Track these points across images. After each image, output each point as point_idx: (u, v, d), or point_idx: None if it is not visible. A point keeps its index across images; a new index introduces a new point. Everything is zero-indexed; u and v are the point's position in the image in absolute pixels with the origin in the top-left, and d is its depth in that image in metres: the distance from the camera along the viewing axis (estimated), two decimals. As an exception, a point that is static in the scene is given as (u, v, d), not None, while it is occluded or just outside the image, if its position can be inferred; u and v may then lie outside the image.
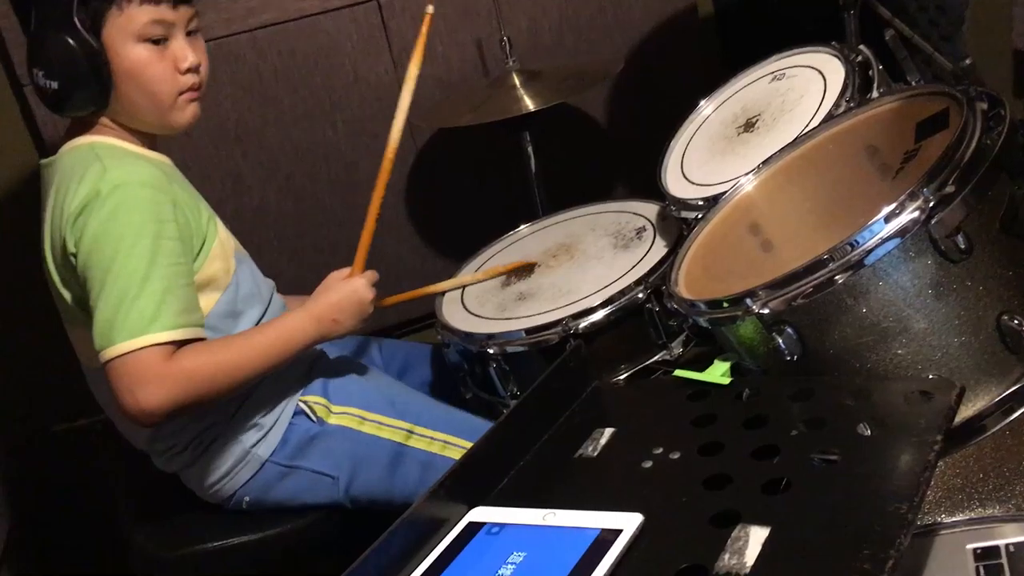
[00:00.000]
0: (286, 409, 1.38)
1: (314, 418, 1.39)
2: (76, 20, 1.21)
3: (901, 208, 0.99)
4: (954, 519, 1.00)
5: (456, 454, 1.41)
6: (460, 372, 1.57)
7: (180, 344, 1.21)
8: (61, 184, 1.26)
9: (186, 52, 1.28)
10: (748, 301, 1.05)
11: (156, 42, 1.26)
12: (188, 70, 1.29)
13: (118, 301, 1.18)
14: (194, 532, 1.39)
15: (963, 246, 0.99)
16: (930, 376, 1.01)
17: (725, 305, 1.08)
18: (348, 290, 1.38)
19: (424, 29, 1.46)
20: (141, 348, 1.17)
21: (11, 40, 1.78)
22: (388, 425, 1.40)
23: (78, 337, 1.33)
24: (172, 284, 1.21)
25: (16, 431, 1.99)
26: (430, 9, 1.46)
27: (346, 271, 1.41)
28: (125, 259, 1.19)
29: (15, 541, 1.88)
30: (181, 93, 1.29)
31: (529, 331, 1.45)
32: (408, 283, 2.12)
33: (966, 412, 1.03)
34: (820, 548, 0.77)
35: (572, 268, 1.58)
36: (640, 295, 1.43)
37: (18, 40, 1.75)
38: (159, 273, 1.20)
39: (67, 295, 1.28)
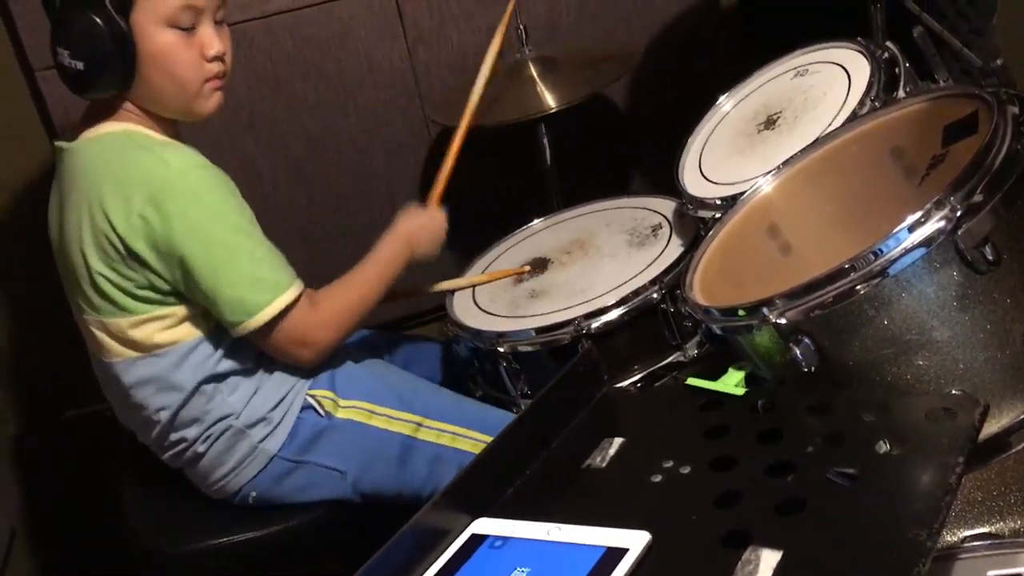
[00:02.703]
0: (294, 403, 1.37)
1: (322, 412, 1.37)
2: (106, 0, 1.20)
3: (927, 217, 0.95)
4: (975, 541, 0.97)
5: (465, 446, 1.39)
6: (470, 369, 1.55)
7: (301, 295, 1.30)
8: (100, 172, 1.25)
9: (213, 40, 1.28)
10: (765, 310, 1.01)
11: (184, 28, 1.25)
12: (214, 58, 1.28)
13: (240, 275, 1.25)
14: (199, 527, 1.38)
15: (991, 257, 0.95)
16: (953, 392, 0.98)
17: (740, 313, 1.05)
18: (427, 216, 1.51)
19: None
20: (290, 304, 1.28)
21: (23, 25, 1.76)
22: (396, 418, 1.39)
23: (92, 328, 1.31)
24: (268, 244, 1.30)
25: (27, 416, 1.98)
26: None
27: (419, 205, 1.52)
28: (227, 236, 1.25)
29: (25, 526, 1.89)
30: (207, 81, 1.29)
31: (540, 330, 1.42)
32: (419, 275, 2.11)
33: (990, 428, 1.00)
34: (834, 576, 0.74)
35: (586, 265, 1.55)
36: (655, 295, 1.40)
37: (31, 24, 1.74)
38: (258, 239, 1.29)
39: (105, 283, 1.27)
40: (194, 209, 1.24)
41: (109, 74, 1.23)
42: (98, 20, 1.20)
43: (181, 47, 1.25)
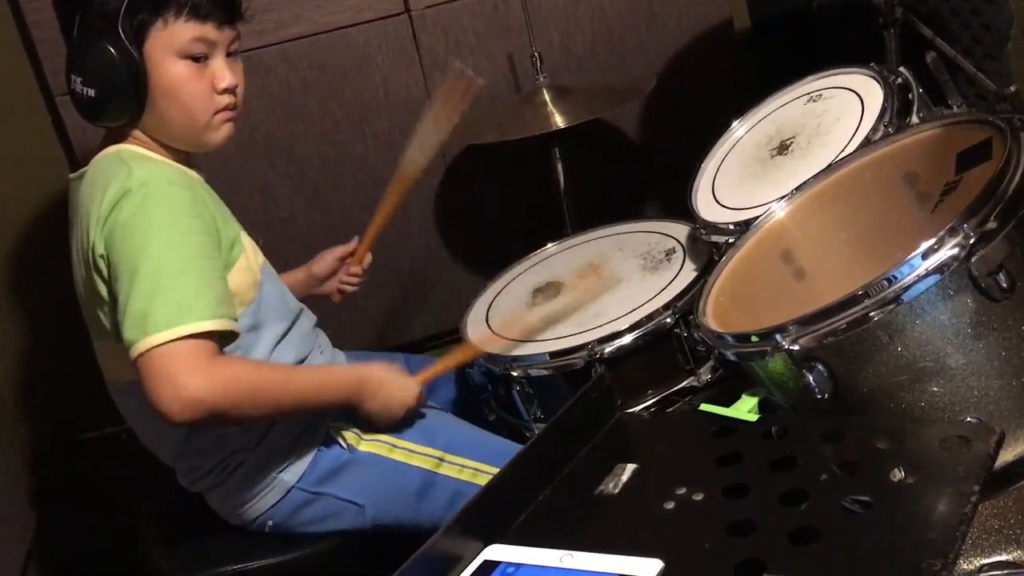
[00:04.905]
0: (315, 436, 1.36)
1: (344, 445, 1.37)
2: (120, 30, 1.21)
3: (940, 244, 0.95)
4: (993, 570, 0.96)
5: (486, 481, 1.37)
6: (484, 393, 1.55)
7: (218, 338, 1.18)
8: (90, 193, 1.26)
9: (225, 72, 1.28)
10: (778, 336, 1.01)
11: (196, 59, 1.26)
12: (225, 90, 1.28)
13: (151, 291, 1.15)
14: (213, 553, 1.37)
15: (1004, 284, 0.95)
16: (968, 419, 0.97)
17: (754, 339, 1.05)
18: (402, 382, 1.37)
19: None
20: (180, 338, 1.13)
21: (44, 52, 1.79)
22: (419, 452, 1.38)
23: (105, 351, 1.32)
24: (207, 277, 1.19)
25: (44, 438, 2.00)
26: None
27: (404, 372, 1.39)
28: (158, 250, 1.18)
29: (39, 548, 1.89)
30: (216, 112, 1.29)
31: (554, 355, 1.42)
32: (435, 297, 2.12)
33: (1006, 456, 0.99)
34: (848, 606, 0.74)
35: (599, 290, 1.55)
36: (668, 320, 1.40)
37: (52, 50, 1.77)
38: (194, 266, 1.19)
39: (97, 306, 1.26)
40: (140, 216, 1.19)
41: (120, 102, 1.24)
42: (112, 49, 1.21)
43: (192, 79, 1.26)
